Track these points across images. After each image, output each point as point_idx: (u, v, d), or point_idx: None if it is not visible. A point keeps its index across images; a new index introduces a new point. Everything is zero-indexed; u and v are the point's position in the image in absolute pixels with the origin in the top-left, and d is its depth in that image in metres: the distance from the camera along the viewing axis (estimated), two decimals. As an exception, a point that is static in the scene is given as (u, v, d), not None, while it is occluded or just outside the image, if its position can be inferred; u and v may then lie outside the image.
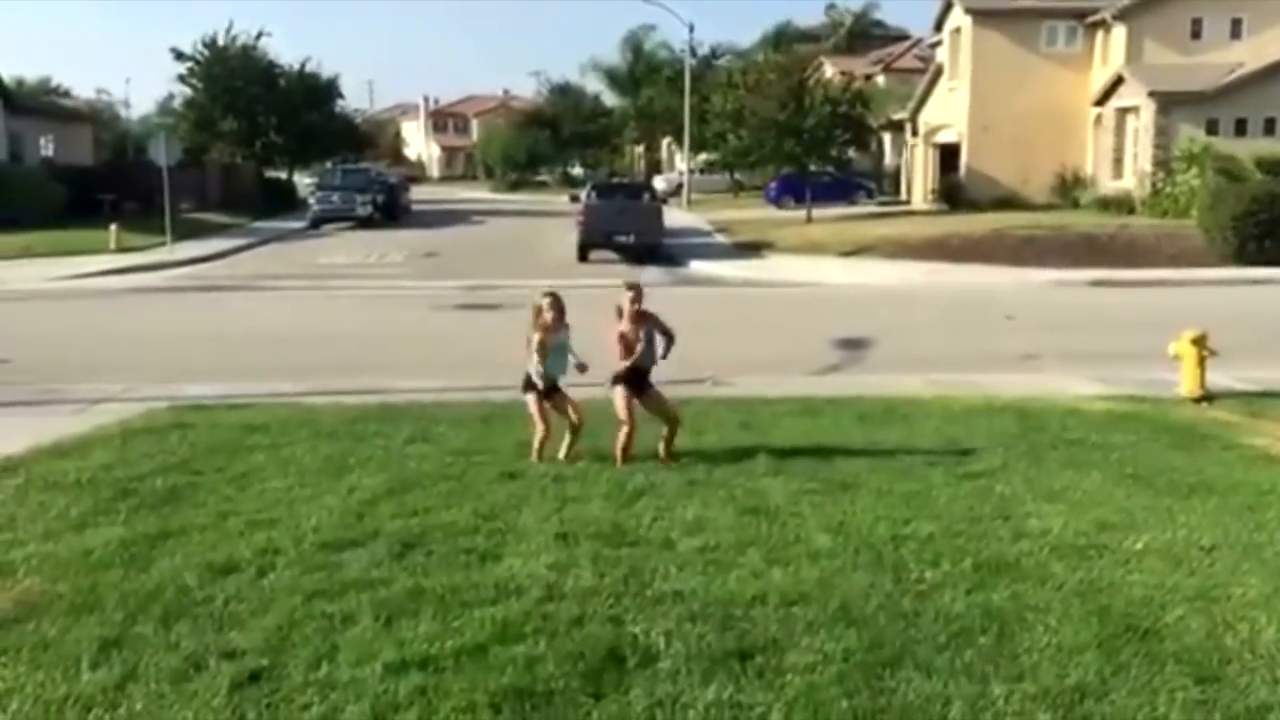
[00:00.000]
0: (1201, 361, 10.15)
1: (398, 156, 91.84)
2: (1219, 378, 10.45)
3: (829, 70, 45.72)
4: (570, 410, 7.81)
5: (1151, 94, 31.40)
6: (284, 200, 46.26)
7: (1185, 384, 10.23)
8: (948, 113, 38.81)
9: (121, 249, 26.76)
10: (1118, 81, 33.25)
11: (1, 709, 4.05)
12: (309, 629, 4.71)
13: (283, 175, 51.67)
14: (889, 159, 50.11)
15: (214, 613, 4.91)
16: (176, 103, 51.88)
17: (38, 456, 7.87)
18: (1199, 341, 10.15)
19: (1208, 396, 10.08)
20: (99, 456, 7.85)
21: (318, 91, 50.12)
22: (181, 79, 47.24)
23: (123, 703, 4.10)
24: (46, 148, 38.72)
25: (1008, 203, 34.43)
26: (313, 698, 4.12)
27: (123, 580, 5.25)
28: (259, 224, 37.35)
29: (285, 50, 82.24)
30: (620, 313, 7.68)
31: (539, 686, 4.19)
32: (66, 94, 64.82)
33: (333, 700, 4.10)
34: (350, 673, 4.31)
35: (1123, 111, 33.75)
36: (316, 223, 36.32)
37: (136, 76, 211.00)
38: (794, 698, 4.10)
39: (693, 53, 52.09)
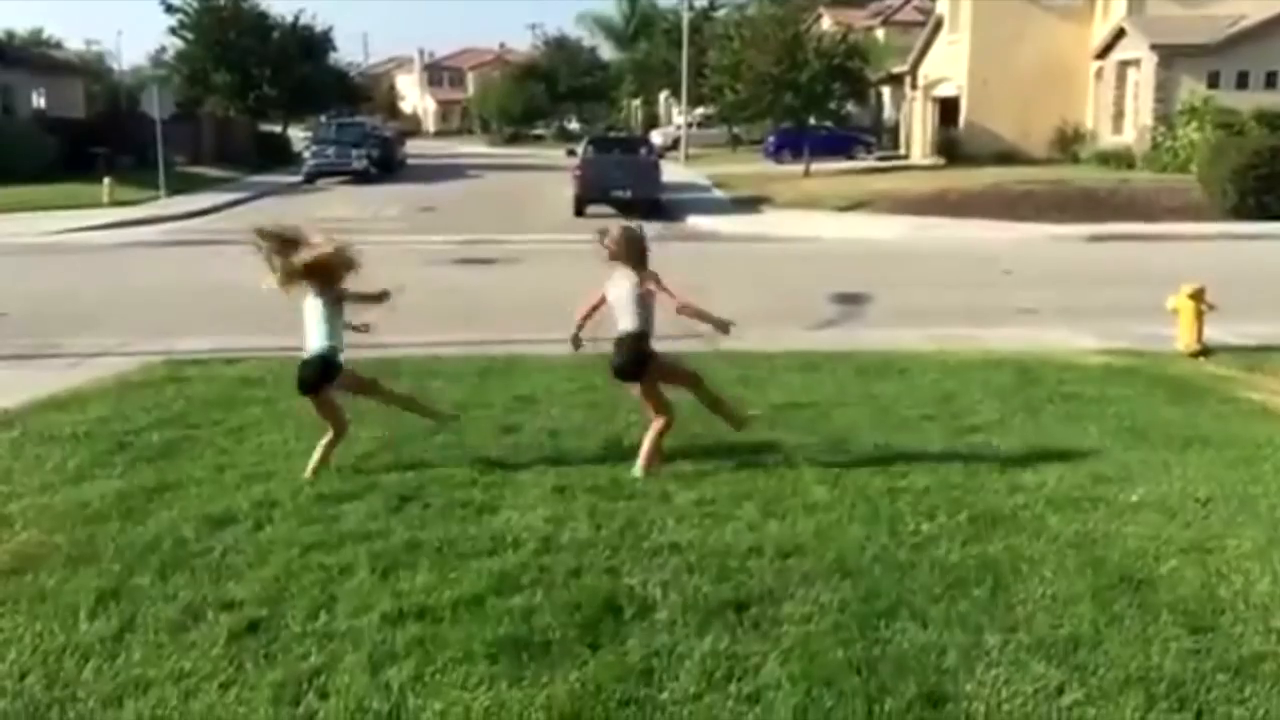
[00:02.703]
0: (1199, 316, 10.14)
1: (393, 110, 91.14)
2: (1216, 332, 10.44)
3: (827, 22, 45.33)
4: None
5: (1153, 47, 31.15)
6: (278, 154, 45.96)
7: (1183, 338, 10.22)
8: (947, 66, 38.51)
9: (115, 203, 26.60)
10: (1119, 34, 32.97)
11: (0, 658, 4.07)
12: (306, 580, 4.73)
13: (277, 129, 51.31)
14: (888, 113, 49.77)
15: (211, 564, 4.92)
16: (169, 55, 51.44)
17: (34, 410, 7.86)
18: (1197, 296, 10.13)
19: (1205, 351, 10.08)
20: (95, 410, 7.85)
21: (311, 44, 49.61)
22: (173, 31, 46.75)
23: (121, 653, 4.12)
24: (38, 100, 38.36)
25: (1007, 157, 34.26)
26: (310, 648, 4.14)
27: (120, 532, 5.26)
28: (253, 178, 37.13)
29: (278, 2, 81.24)
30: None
31: (536, 637, 4.21)
32: (58, 46, 64.22)
33: (330, 650, 4.12)
34: (348, 623, 4.33)
35: (1124, 65, 33.50)
36: (311, 177, 36.08)
37: (128, 29, 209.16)
38: (790, 648, 4.13)
39: (690, 5, 51.52)
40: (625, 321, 6.39)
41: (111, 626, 4.32)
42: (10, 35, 51.70)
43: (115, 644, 4.18)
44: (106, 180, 27.32)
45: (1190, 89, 30.56)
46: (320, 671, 3.96)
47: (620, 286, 6.42)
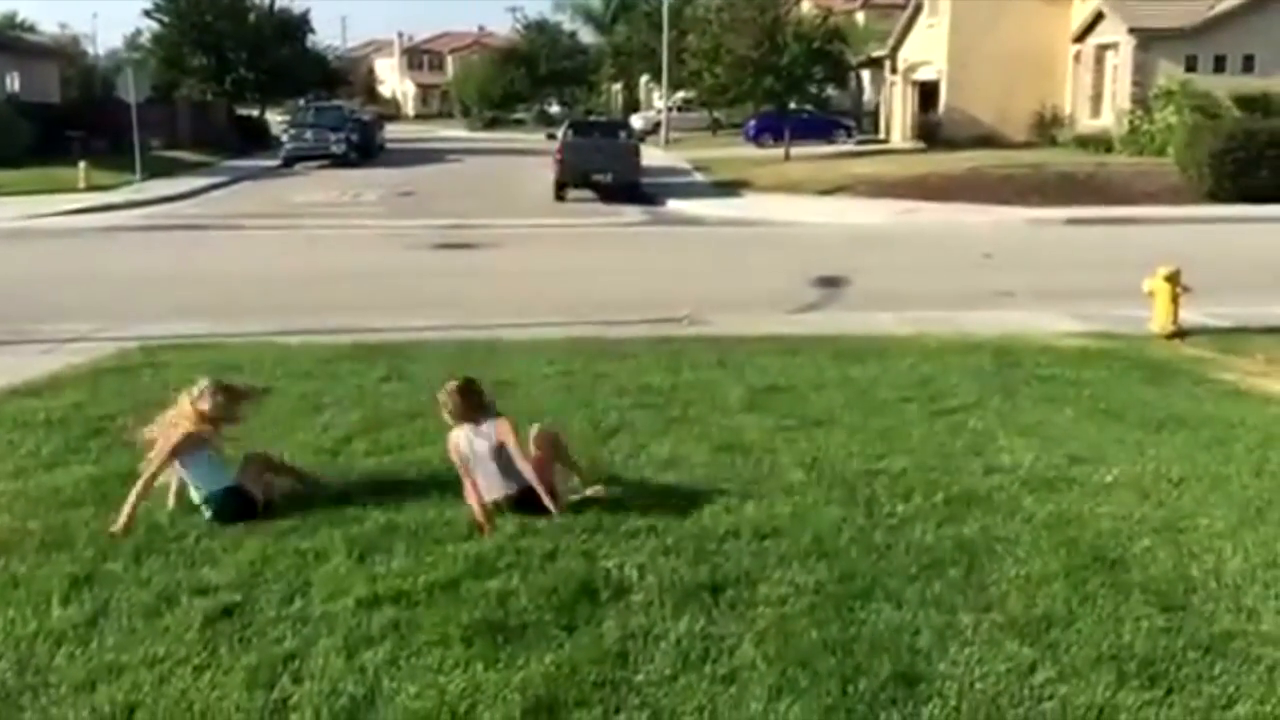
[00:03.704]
0: (1175, 298, 10.20)
1: (372, 94, 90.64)
2: (1192, 314, 10.51)
3: (807, 5, 45.22)
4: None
5: (1131, 30, 31.22)
6: (256, 138, 45.61)
7: (1158, 320, 10.28)
8: (927, 50, 38.53)
9: (91, 187, 26.36)
10: (1097, 18, 33.03)
11: (-29, 645, 4.05)
12: (282, 565, 4.71)
13: (254, 113, 50.92)
14: (868, 97, 49.77)
15: (186, 550, 4.90)
16: (145, 39, 51.00)
17: (8, 395, 7.80)
18: (1173, 278, 10.19)
19: (1180, 333, 10.14)
20: (70, 395, 7.79)
21: (289, 27, 49.31)
22: (148, 14, 46.34)
23: (94, 638, 4.10)
24: (12, 84, 37.91)
25: (986, 141, 34.33)
26: (285, 632, 4.13)
27: (94, 518, 5.23)
28: (231, 162, 36.87)
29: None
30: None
31: (511, 620, 4.21)
32: (32, 29, 63.39)
33: (305, 634, 4.11)
34: (323, 608, 4.32)
35: (1102, 48, 33.57)
36: (290, 161, 35.86)
37: (104, 11, 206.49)
38: (765, 629, 4.14)
39: (670, -12, 51.35)
40: (496, 487, 5.30)
41: (85, 612, 4.29)
42: (-17, 18, 51.11)
43: (88, 629, 4.16)
44: (82, 165, 27.06)
45: (1168, 72, 30.66)
46: (295, 655, 3.95)
47: (476, 445, 5.38)
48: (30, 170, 28.15)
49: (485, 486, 5.29)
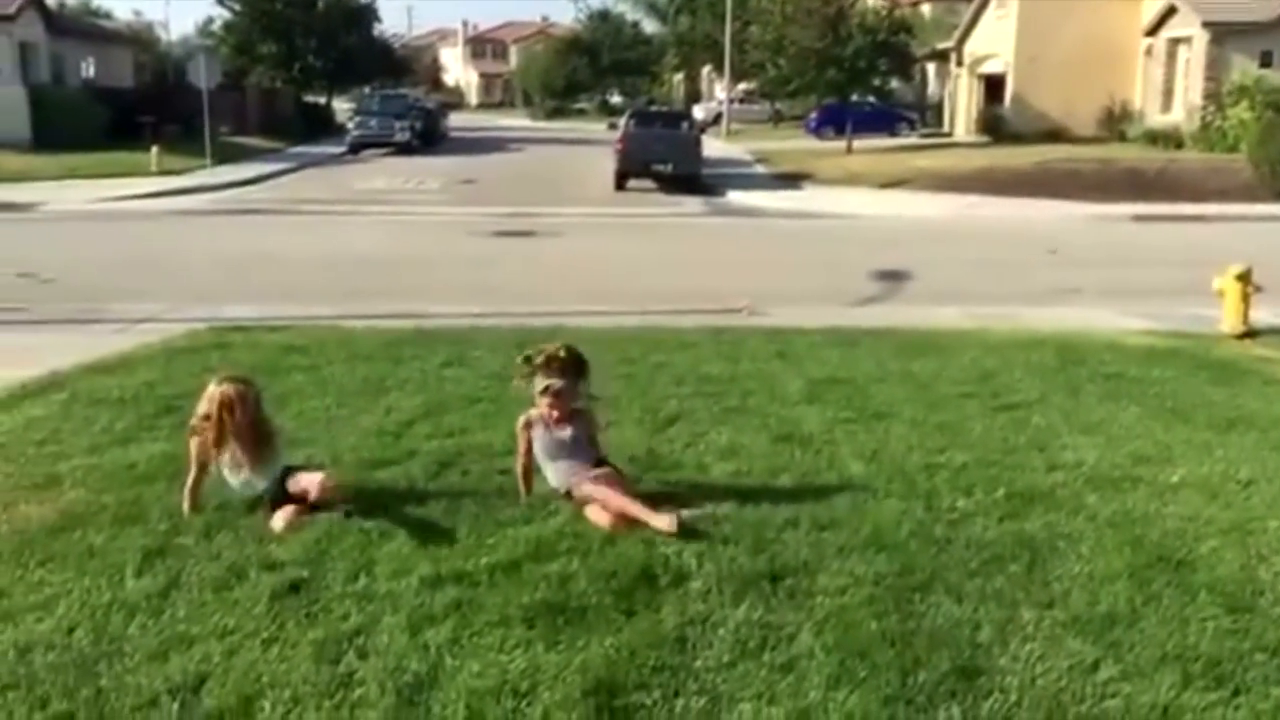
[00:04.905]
0: (1245, 297, 10.00)
1: (436, 83, 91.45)
2: (1263, 314, 10.29)
3: (872, -2, 44.79)
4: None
5: (1205, 24, 30.60)
6: (322, 125, 46.28)
7: (1228, 320, 10.09)
8: (994, 42, 38.04)
9: (162, 171, 26.91)
10: (1170, 11, 32.41)
11: (49, 612, 4.17)
12: (346, 543, 4.79)
13: (321, 100, 51.59)
14: (932, 90, 49.25)
15: (254, 526, 5.00)
16: (216, 26, 51.82)
17: (82, 373, 7.99)
18: (1243, 277, 9.99)
19: (1251, 333, 9.95)
20: (142, 374, 7.97)
21: (356, 15, 49.84)
22: (220, 1, 47.09)
23: (166, 609, 4.20)
24: (87, 70, 38.80)
25: (1053, 135, 33.82)
26: (350, 608, 4.21)
27: (166, 493, 5.34)
28: (297, 149, 37.43)
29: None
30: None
31: (572, 602, 4.25)
32: (107, 16, 64.66)
33: (370, 611, 4.18)
34: (387, 586, 4.39)
35: (1174, 42, 32.93)
36: (355, 148, 36.33)
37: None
38: (824, 618, 4.14)
39: (734, -22, 51.16)
40: (565, 477, 5.21)
41: (157, 584, 4.40)
42: (61, 5, 52.13)
43: (160, 600, 4.27)
44: (154, 149, 27.65)
45: (1242, 68, 29.98)
46: (360, 631, 4.03)
47: (556, 432, 5.29)
48: (104, 154, 28.77)
49: (556, 470, 5.30)
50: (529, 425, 5.38)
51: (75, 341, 9.18)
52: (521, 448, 5.39)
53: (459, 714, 3.52)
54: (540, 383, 5.32)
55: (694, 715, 3.54)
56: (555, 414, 5.29)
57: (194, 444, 5.23)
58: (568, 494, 5.27)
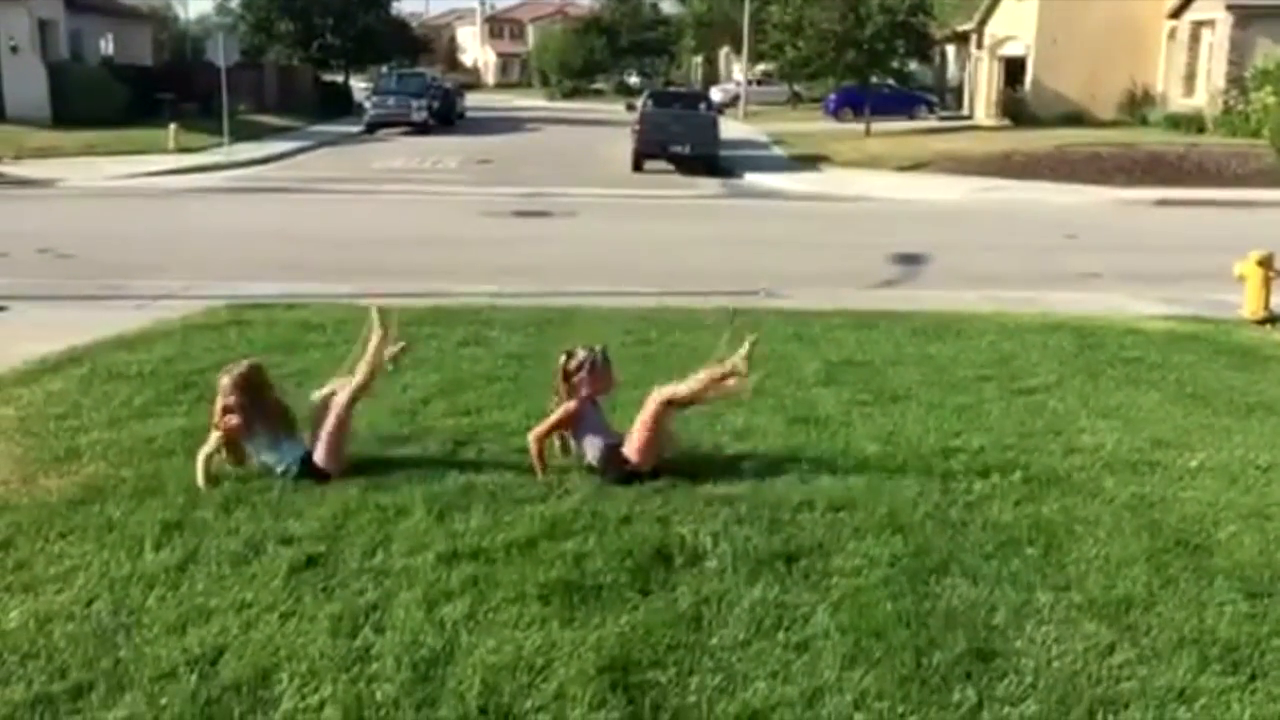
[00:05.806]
0: (1267, 283, 9.93)
1: (453, 62, 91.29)
2: (1285, 300, 10.22)
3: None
4: None
5: (1229, 7, 30.28)
6: (340, 104, 46.22)
7: (1249, 305, 10.02)
8: (1015, 24, 37.71)
9: (181, 149, 26.94)
10: (1194, -7, 32.09)
11: (68, 584, 4.20)
12: (363, 519, 4.81)
13: (339, 79, 51.56)
14: (952, 72, 48.91)
15: (271, 502, 5.03)
16: (234, 4, 51.80)
17: (101, 349, 8.03)
18: (1265, 263, 9.92)
19: (1272, 318, 9.87)
20: (161, 350, 8.01)
21: (374, -6, 49.70)
22: (238, -21, 47.06)
23: (184, 582, 4.23)
24: (106, 47, 38.82)
25: (1074, 119, 33.55)
26: (367, 583, 4.23)
27: (184, 468, 5.37)
28: (315, 127, 37.41)
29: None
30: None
31: (587, 581, 4.26)
32: (125, -7, 64.68)
33: (386, 587, 4.20)
34: (403, 562, 4.41)
35: (1198, 25, 32.60)
36: (372, 127, 36.30)
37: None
38: (839, 599, 4.15)
39: (754, -41, 50.85)
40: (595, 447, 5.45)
41: (175, 557, 4.43)
42: (79, -18, 52.22)
43: (179, 574, 4.30)
44: (172, 127, 27.65)
45: (1266, 52, 29.65)
46: (376, 606, 4.05)
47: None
48: (122, 131, 28.80)
49: (593, 442, 5.43)
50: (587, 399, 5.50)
51: (94, 317, 9.22)
52: (556, 420, 5.46)
53: (474, 689, 3.53)
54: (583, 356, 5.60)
55: (708, 693, 3.55)
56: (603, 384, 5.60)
57: (220, 435, 5.28)
58: (612, 451, 5.37)
